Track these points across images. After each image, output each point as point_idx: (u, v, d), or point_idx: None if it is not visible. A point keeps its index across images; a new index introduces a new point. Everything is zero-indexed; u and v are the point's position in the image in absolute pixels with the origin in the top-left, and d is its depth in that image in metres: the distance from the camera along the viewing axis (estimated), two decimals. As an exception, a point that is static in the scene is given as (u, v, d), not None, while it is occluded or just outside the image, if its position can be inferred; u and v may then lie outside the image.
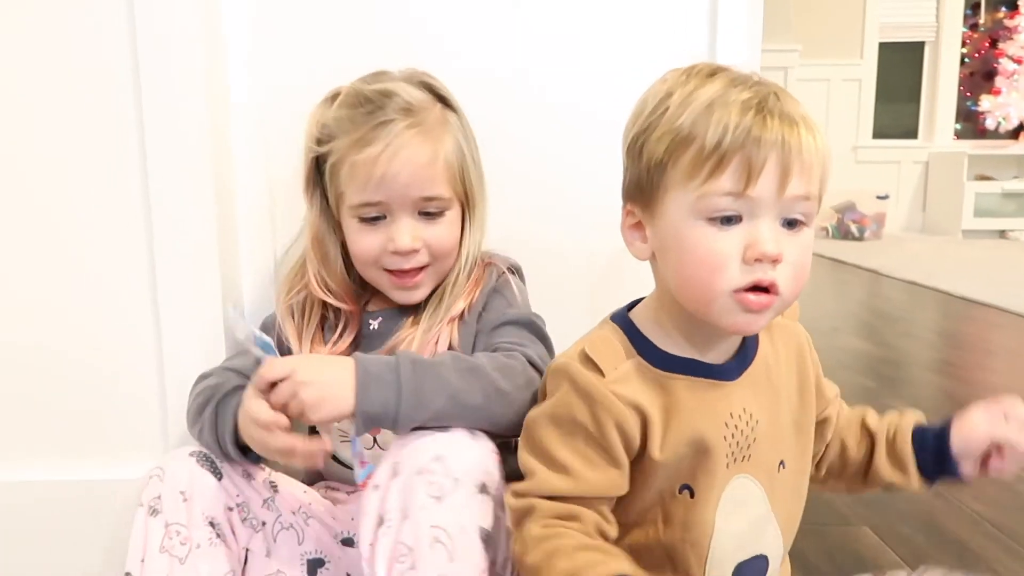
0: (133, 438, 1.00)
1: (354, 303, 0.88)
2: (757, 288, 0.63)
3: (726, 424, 0.68)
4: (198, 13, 0.94)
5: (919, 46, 5.45)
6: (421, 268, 0.84)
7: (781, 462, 0.73)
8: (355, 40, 1.03)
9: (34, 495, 1.02)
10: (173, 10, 0.93)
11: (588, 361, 0.67)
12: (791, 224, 0.64)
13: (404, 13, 1.03)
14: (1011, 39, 5.34)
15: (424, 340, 0.82)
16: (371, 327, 0.88)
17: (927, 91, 5.50)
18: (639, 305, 0.74)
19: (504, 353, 0.77)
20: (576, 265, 1.07)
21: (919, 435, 0.78)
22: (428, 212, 0.83)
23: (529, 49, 1.05)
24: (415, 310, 0.87)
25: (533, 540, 0.63)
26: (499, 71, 1.05)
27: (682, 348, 0.70)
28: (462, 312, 0.84)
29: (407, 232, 0.82)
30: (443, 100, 0.85)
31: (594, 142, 1.05)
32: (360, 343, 0.87)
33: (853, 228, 4.94)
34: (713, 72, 0.66)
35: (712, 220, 0.63)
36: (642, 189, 0.67)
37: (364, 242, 0.83)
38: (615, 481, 0.67)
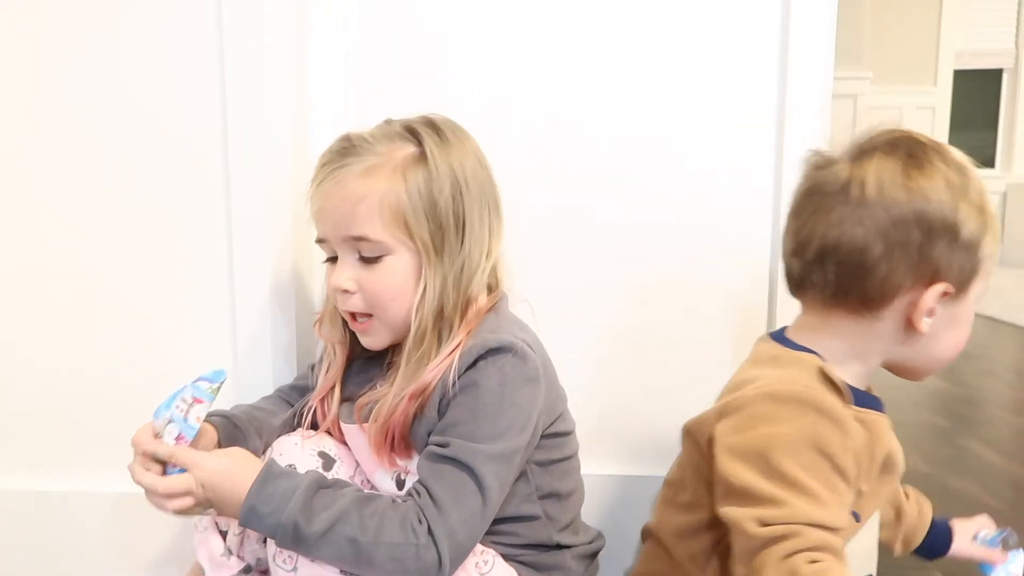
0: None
1: (341, 341, 0.88)
2: None
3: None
4: (286, 76, 1.00)
5: (997, 73, 5.28)
6: (368, 315, 0.81)
7: None
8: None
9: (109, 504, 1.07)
10: (263, 71, 0.99)
11: (833, 387, 0.69)
12: None
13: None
14: (1097, 66, 5.12)
15: (389, 410, 0.77)
16: (353, 371, 0.89)
17: (1005, 119, 5.32)
18: (812, 343, 0.74)
19: (414, 515, 0.71)
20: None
21: (933, 527, 0.95)
22: (364, 256, 0.79)
23: (593, 88, 1.07)
24: (387, 367, 0.85)
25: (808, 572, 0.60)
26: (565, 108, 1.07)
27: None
28: (428, 389, 0.76)
29: (342, 272, 0.80)
30: (423, 144, 0.80)
31: (646, 177, 1.07)
32: (345, 382, 0.88)
33: (925, 259, 4.78)
34: None
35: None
36: (969, 277, 0.71)
37: (327, 282, 0.83)
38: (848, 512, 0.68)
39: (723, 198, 1.08)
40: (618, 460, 1.12)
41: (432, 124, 0.82)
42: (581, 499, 0.89)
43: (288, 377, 1.02)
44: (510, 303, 0.85)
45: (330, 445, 0.86)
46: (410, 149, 0.79)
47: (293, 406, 0.92)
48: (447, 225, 0.78)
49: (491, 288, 0.84)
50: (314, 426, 0.88)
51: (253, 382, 1.02)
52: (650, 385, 1.12)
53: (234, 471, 0.72)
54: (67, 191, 1.05)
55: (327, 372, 0.88)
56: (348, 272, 0.80)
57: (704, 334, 1.11)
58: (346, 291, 0.80)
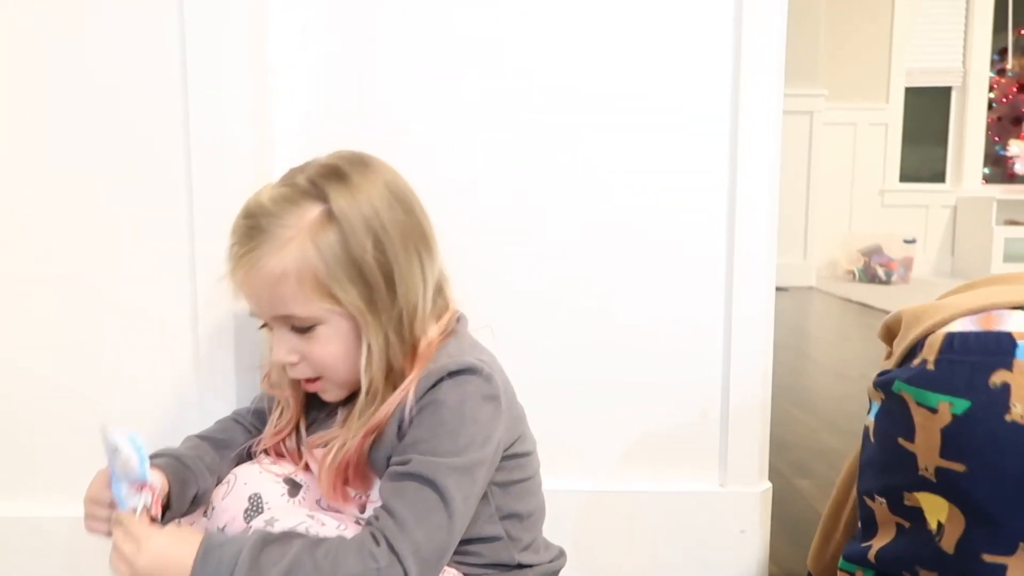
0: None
1: (294, 392, 0.85)
2: None
3: None
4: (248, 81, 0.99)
5: (946, 91, 5.44)
6: (316, 378, 0.80)
7: None
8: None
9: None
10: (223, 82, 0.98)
11: None
12: None
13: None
14: (1039, 85, 5.32)
15: (339, 453, 0.76)
16: (312, 414, 0.86)
17: (954, 135, 5.47)
18: None
19: (370, 540, 0.68)
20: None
21: None
22: (297, 328, 0.76)
23: (550, 101, 1.07)
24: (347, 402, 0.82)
25: None
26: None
27: None
28: (383, 423, 0.75)
29: (280, 346, 0.78)
30: (329, 201, 0.74)
31: (600, 193, 1.07)
32: (308, 427, 0.86)
33: (880, 272, 4.89)
34: None
35: None
36: None
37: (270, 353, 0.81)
38: None
39: (678, 211, 1.09)
40: (580, 476, 1.12)
41: (336, 172, 0.76)
42: (542, 518, 0.89)
43: (252, 392, 0.99)
44: (472, 326, 0.85)
45: (295, 471, 0.85)
46: (317, 210, 0.74)
47: (251, 431, 0.90)
48: (375, 281, 0.75)
49: (442, 312, 0.81)
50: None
51: (215, 396, 1.00)
52: (611, 401, 1.12)
53: (172, 551, 0.68)
54: (22, 198, 1.03)
55: (281, 416, 0.86)
56: (286, 345, 0.77)
57: (662, 347, 1.11)
58: (288, 363, 0.78)
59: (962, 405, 0.70)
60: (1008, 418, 0.67)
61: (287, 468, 0.85)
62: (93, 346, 1.04)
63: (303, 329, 0.76)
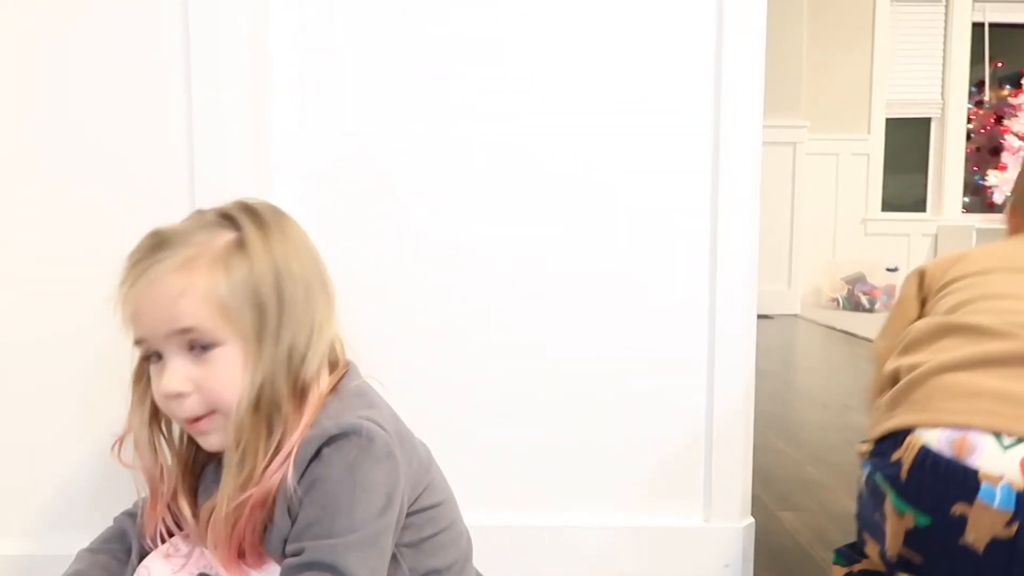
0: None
1: (174, 453, 0.80)
2: None
3: None
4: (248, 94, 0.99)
5: (925, 122, 5.52)
6: (203, 415, 0.74)
7: None
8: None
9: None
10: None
11: None
12: None
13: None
14: (1016, 116, 5.41)
15: (227, 520, 0.71)
16: (208, 478, 0.81)
17: (934, 166, 5.55)
18: None
19: None
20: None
21: None
22: (195, 347, 0.72)
23: (531, 132, 1.07)
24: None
25: None
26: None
27: None
28: (271, 491, 0.71)
29: (173, 373, 0.72)
30: (241, 230, 0.75)
31: (577, 225, 1.06)
32: (199, 490, 0.80)
33: (864, 300, 4.92)
34: None
35: None
36: None
37: (153, 388, 0.75)
38: None
39: (660, 245, 1.09)
40: (564, 513, 1.10)
41: (249, 208, 0.77)
42: (466, 565, 0.84)
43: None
44: (367, 373, 0.81)
45: (206, 562, 0.79)
46: (228, 236, 0.74)
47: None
48: (268, 314, 0.73)
49: (334, 366, 0.79)
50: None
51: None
52: (594, 438, 1.10)
53: None
54: (19, 199, 1.02)
55: (159, 487, 0.79)
56: (180, 372, 0.72)
57: (645, 384, 1.10)
58: (180, 395, 0.73)
59: (924, 520, 0.76)
60: (962, 541, 0.74)
61: (198, 561, 0.79)
62: (92, 351, 1.02)
63: (202, 348, 0.72)
